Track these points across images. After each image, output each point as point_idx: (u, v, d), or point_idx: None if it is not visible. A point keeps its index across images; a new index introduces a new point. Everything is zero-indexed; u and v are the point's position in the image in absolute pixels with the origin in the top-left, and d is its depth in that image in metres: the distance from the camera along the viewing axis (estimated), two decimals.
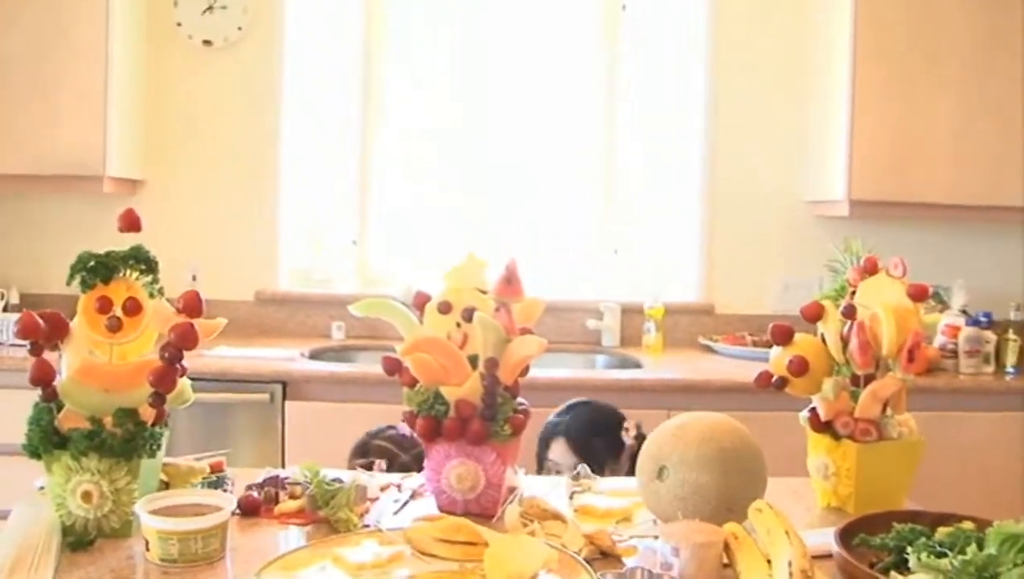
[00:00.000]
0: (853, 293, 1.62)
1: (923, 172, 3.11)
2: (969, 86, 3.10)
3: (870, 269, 1.62)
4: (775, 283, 3.48)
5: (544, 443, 2.28)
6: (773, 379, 1.59)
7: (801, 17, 3.42)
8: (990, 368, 3.06)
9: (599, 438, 2.25)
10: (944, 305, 3.21)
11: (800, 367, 1.55)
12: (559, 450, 2.24)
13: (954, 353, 3.05)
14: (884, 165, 3.10)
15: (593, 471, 1.83)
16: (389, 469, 1.89)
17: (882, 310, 1.53)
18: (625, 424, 2.25)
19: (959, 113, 3.10)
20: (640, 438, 2.26)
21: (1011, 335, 3.11)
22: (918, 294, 1.57)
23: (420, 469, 1.96)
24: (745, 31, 3.45)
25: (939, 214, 3.25)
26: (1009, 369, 3.08)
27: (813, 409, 1.60)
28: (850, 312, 1.57)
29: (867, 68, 3.08)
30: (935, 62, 3.09)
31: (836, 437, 1.56)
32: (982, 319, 3.10)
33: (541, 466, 2.27)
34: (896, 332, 1.52)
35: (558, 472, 2.19)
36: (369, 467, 1.94)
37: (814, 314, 1.60)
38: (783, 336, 1.59)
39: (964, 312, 3.15)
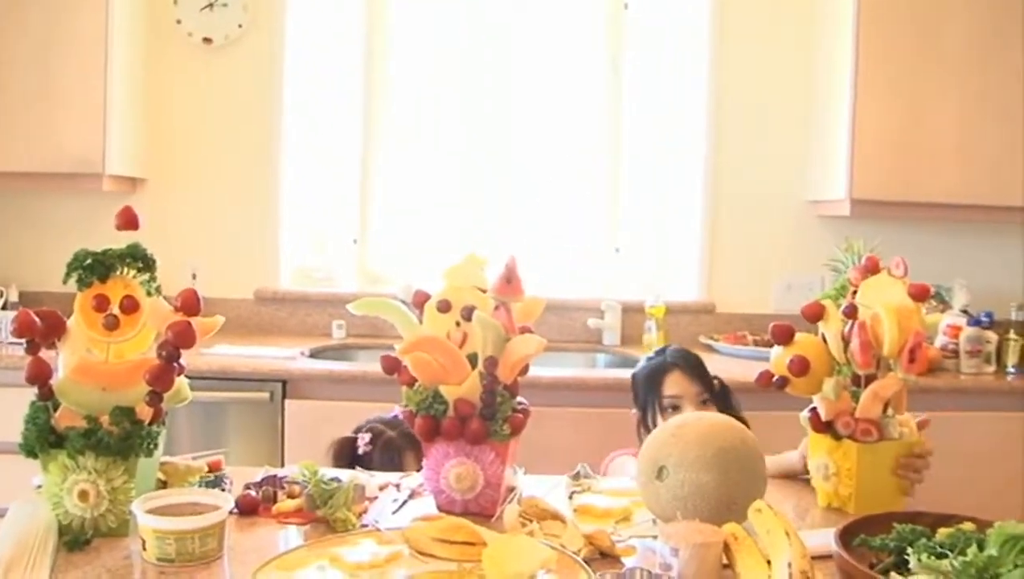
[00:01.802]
0: (854, 293, 1.62)
1: (925, 172, 3.10)
2: (972, 85, 3.09)
3: (871, 269, 1.62)
4: (776, 282, 3.47)
5: (654, 385, 2.17)
6: (774, 379, 1.58)
7: (804, 16, 3.41)
8: (991, 368, 3.05)
9: (704, 367, 2.22)
10: (945, 305, 3.21)
11: (801, 367, 1.55)
12: (677, 382, 2.15)
13: (955, 353, 3.04)
14: (886, 164, 3.10)
15: (712, 398, 1.96)
16: (372, 443, 1.89)
17: (883, 310, 1.52)
18: None
19: (961, 112, 3.09)
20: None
21: (1012, 335, 3.10)
22: (919, 294, 1.56)
23: (406, 446, 1.97)
24: (748, 30, 3.44)
25: (941, 214, 3.24)
26: (1010, 369, 3.07)
27: (814, 409, 1.59)
28: (851, 312, 1.56)
29: (869, 67, 3.07)
30: (938, 61, 3.08)
31: (837, 437, 1.56)
32: (983, 319, 3.09)
33: (655, 411, 2.15)
34: (897, 332, 1.51)
35: (675, 408, 2.12)
36: (354, 441, 1.95)
37: (815, 314, 1.59)
38: (784, 336, 1.59)
39: (965, 312, 3.14)
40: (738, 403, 2.25)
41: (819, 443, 1.59)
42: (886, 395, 1.55)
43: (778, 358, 1.59)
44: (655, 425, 2.13)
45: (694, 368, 2.19)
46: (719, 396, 2.21)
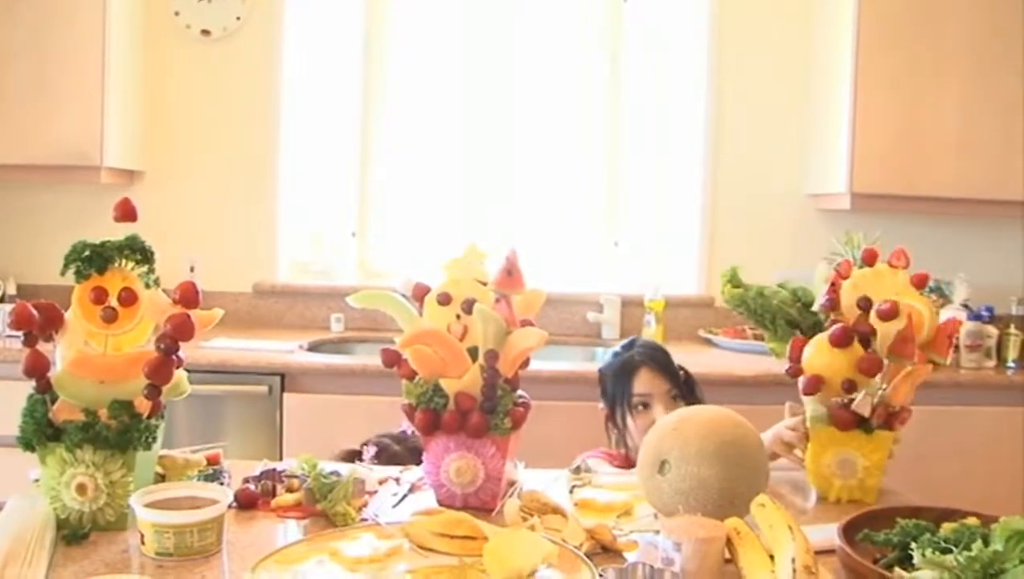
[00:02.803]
0: (833, 286, 1.61)
1: (925, 165, 3.09)
2: (972, 79, 3.08)
3: (869, 260, 1.62)
4: (776, 276, 3.44)
5: (623, 381, 2.13)
6: (843, 382, 1.54)
7: (804, 9, 3.40)
8: (991, 362, 3.05)
9: (672, 361, 2.17)
10: (946, 299, 3.20)
11: (876, 365, 1.53)
12: (647, 380, 2.11)
13: (956, 348, 3.04)
14: (886, 158, 3.09)
15: (681, 394, 1.93)
16: (378, 456, 1.88)
17: (915, 301, 1.55)
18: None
19: (962, 106, 3.08)
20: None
21: (1013, 330, 3.10)
22: (920, 282, 1.59)
23: (413, 461, 1.95)
24: (748, 23, 3.43)
25: (941, 208, 3.23)
26: (1010, 363, 3.07)
27: (842, 407, 1.57)
28: (867, 305, 1.56)
29: (870, 61, 3.06)
30: (938, 55, 3.07)
31: (868, 431, 1.55)
32: (984, 313, 3.09)
33: (623, 410, 2.11)
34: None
35: (645, 406, 2.09)
36: (358, 454, 1.94)
37: (893, 312, 1.56)
38: (845, 339, 1.55)
39: (966, 306, 3.13)
40: (702, 394, 2.21)
41: (842, 440, 1.57)
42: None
43: (836, 361, 1.55)
44: (624, 422, 2.12)
45: (663, 365, 2.14)
46: (685, 388, 2.17)
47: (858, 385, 1.55)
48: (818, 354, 1.57)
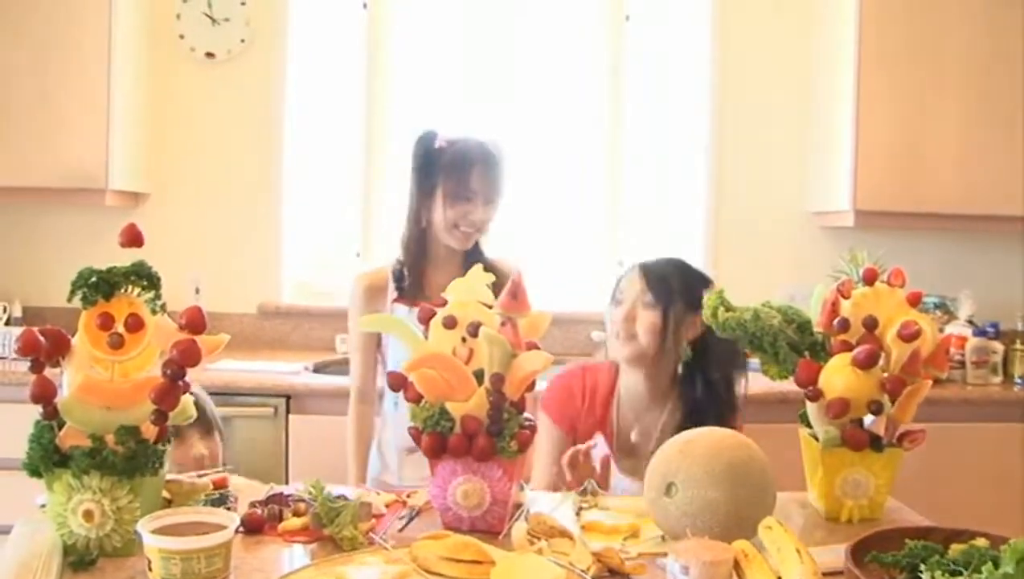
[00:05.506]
0: (834, 304, 1.62)
1: (928, 182, 3.10)
2: (973, 95, 3.09)
3: (869, 279, 1.62)
4: (780, 294, 3.44)
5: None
6: (871, 405, 1.54)
7: (805, 27, 3.42)
8: (998, 378, 3.05)
9: (678, 279, 2.00)
10: (951, 315, 3.20)
11: (900, 386, 1.53)
12: (628, 279, 2.03)
13: (961, 364, 3.03)
14: (889, 175, 3.10)
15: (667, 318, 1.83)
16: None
17: (917, 319, 1.56)
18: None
19: (964, 122, 3.10)
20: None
21: (1019, 345, 3.10)
22: (915, 300, 1.60)
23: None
24: (749, 41, 3.44)
25: (945, 224, 3.24)
26: (1017, 379, 3.07)
27: (853, 429, 1.56)
28: (873, 324, 1.57)
29: (871, 78, 3.08)
30: (939, 71, 3.08)
31: (878, 449, 1.55)
32: (989, 329, 3.08)
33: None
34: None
35: (619, 302, 2.01)
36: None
37: (917, 334, 1.56)
38: (872, 360, 1.55)
39: (971, 322, 3.13)
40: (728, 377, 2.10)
41: (853, 460, 1.57)
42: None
43: (860, 382, 1.53)
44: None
45: (654, 277, 1.99)
46: (684, 313, 1.98)
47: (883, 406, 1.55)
48: (840, 376, 1.55)
